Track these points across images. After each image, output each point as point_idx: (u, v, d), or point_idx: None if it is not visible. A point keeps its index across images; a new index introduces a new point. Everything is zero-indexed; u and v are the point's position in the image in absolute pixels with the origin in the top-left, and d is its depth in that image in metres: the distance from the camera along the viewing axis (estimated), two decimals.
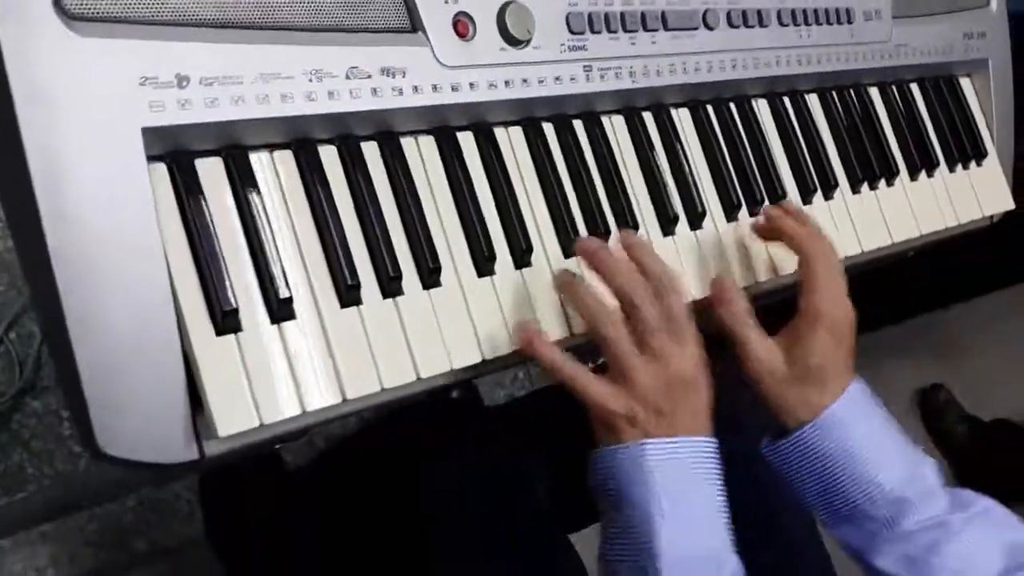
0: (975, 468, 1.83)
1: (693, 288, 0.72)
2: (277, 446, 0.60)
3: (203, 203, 0.52)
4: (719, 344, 0.67)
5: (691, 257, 0.73)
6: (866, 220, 0.85)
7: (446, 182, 0.62)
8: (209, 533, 1.17)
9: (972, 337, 2.12)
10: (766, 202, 0.78)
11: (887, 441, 0.67)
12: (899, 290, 1.78)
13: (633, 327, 0.61)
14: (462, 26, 0.61)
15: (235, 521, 1.13)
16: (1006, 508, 0.66)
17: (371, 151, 0.60)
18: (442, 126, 0.63)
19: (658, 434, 0.60)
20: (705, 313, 0.69)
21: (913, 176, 0.91)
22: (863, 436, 0.66)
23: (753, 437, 0.70)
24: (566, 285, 0.64)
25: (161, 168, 0.52)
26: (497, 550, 0.77)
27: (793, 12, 0.80)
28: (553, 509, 0.81)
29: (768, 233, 0.75)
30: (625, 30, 0.69)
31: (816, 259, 0.69)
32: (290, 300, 0.54)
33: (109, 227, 0.48)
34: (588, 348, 0.64)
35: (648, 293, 0.61)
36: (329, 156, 0.58)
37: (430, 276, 0.60)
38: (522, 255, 0.64)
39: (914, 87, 0.95)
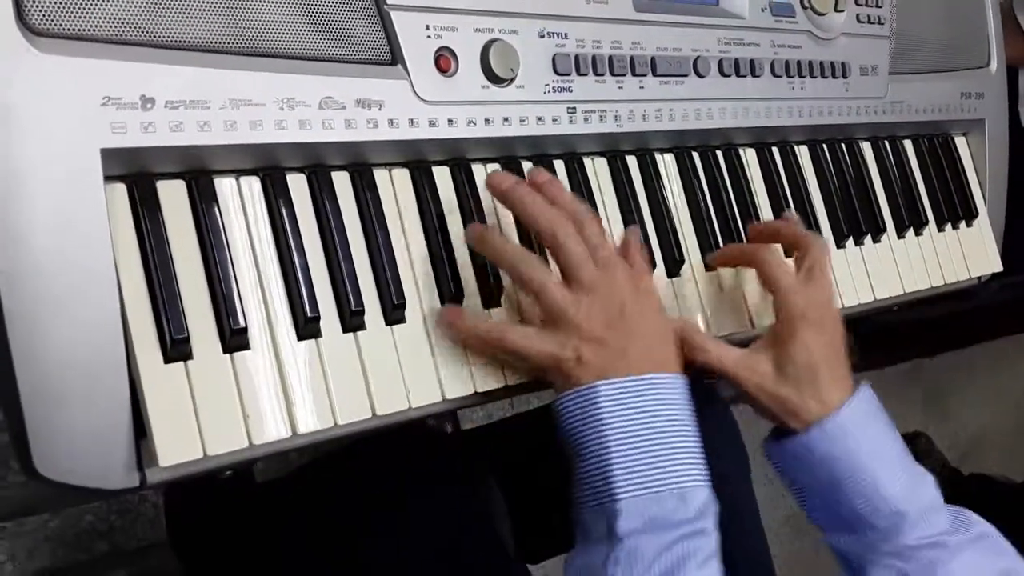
0: None
1: None
2: (226, 473, 0.59)
3: (161, 226, 0.51)
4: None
5: (666, 304, 0.72)
6: (849, 275, 0.85)
7: (417, 216, 0.61)
8: (172, 538, 1.15)
9: (959, 388, 2.12)
10: None
11: (893, 451, 0.66)
12: (886, 335, 1.78)
13: (559, 263, 0.59)
14: (444, 61, 0.60)
15: (200, 528, 1.12)
16: (1002, 535, 0.66)
17: (342, 181, 0.59)
18: (418, 160, 0.62)
19: (613, 372, 0.57)
20: None
21: (900, 233, 0.91)
22: (870, 444, 0.65)
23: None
24: (480, 236, 0.61)
25: (120, 188, 0.51)
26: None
27: (787, 63, 0.79)
28: (514, 540, 0.80)
29: (728, 258, 0.74)
30: (612, 74, 0.68)
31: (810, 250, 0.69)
32: (245, 330, 0.53)
33: (60, 247, 0.47)
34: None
35: (567, 224, 0.59)
36: (298, 184, 0.57)
37: (394, 312, 0.59)
38: (491, 295, 0.63)
39: (907, 143, 0.95)
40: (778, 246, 0.72)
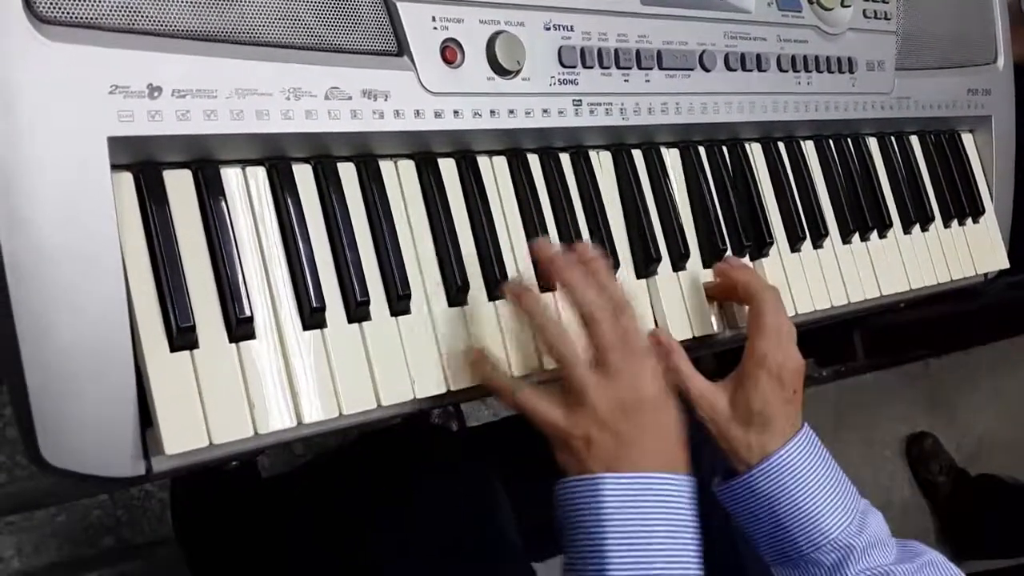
0: (958, 520, 1.82)
1: (670, 330, 0.71)
2: (232, 464, 0.59)
3: (168, 215, 0.51)
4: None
5: (669, 298, 0.72)
6: (855, 271, 0.84)
7: (423, 207, 0.62)
8: (178, 533, 1.16)
9: (965, 388, 2.11)
10: (752, 247, 0.76)
11: (833, 489, 0.67)
12: (892, 336, 1.77)
13: (590, 343, 0.59)
14: (450, 53, 0.60)
15: (205, 523, 1.12)
16: (952, 563, 0.66)
17: (348, 172, 0.59)
18: (424, 151, 0.62)
19: (620, 464, 0.57)
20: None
21: (907, 229, 0.90)
22: (809, 482, 0.66)
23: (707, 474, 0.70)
24: (520, 295, 0.61)
25: (127, 177, 0.51)
26: (462, 569, 0.76)
27: (794, 58, 0.79)
28: (520, 537, 0.80)
29: (721, 290, 0.74)
30: (618, 67, 0.68)
31: (764, 304, 0.69)
32: (251, 319, 0.53)
33: (68, 235, 0.47)
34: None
35: (607, 307, 0.59)
36: (303, 175, 0.57)
37: (399, 302, 0.59)
38: (497, 287, 0.63)
39: (914, 139, 0.94)
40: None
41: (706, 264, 0.75)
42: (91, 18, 0.48)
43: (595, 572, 0.56)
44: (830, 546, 0.65)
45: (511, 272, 0.64)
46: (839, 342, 1.66)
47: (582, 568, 0.57)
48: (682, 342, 0.71)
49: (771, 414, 0.66)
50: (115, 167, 0.49)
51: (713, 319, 0.73)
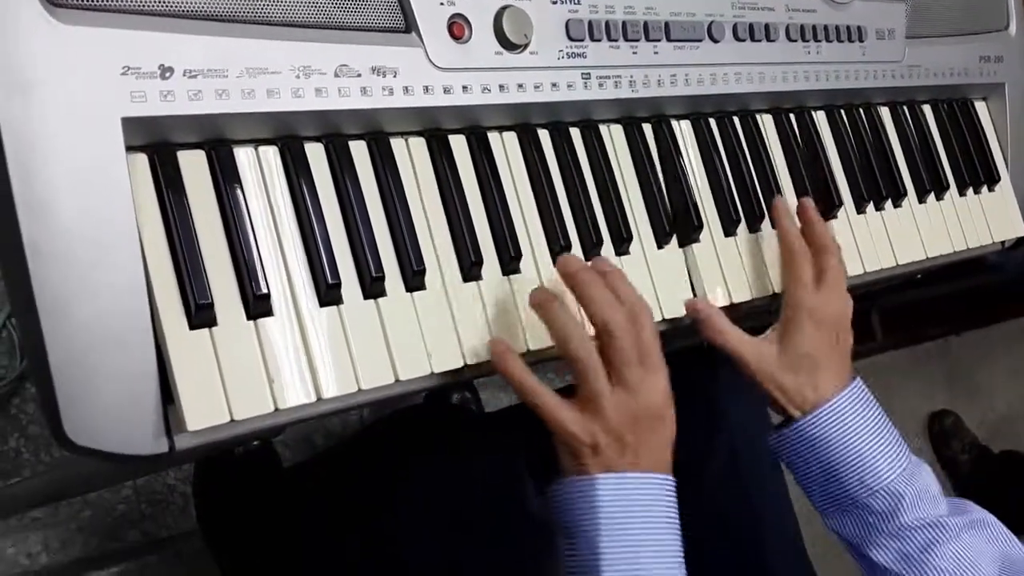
0: (981, 498, 1.80)
1: (682, 304, 0.71)
2: (254, 442, 0.60)
3: (183, 196, 0.52)
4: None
5: (682, 271, 0.72)
6: (870, 241, 0.84)
7: (435, 184, 0.62)
8: (202, 526, 1.17)
9: (986, 365, 2.09)
10: (766, 219, 0.76)
11: (886, 438, 0.69)
12: (911, 314, 1.76)
13: (607, 355, 0.60)
14: (457, 28, 0.60)
15: (229, 515, 1.13)
16: (1003, 525, 0.68)
17: (359, 150, 0.59)
18: (434, 128, 0.62)
19: (618, 467, 0.59)
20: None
21: (921, 198, 0.90)
22: (861, 429, 0.68)
23: (737, 434, 0.70)
24: (543, 303, 0.62)
25: (142, 159, 0.51)
26: (485, 548, 0.77)
27: (802, 28, 0.78)
28: (545, 516, 0.80)
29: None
30: (626, 39, 0.68)
31: (796, 254, 0.72)
32: (268, 296, 0.53)
33: (85, 217, 0.47)
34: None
35: (626, 323, 0.60)
36: (316, 153, 0.57)
37: (414, 278, 0.59)
38: (510, 262, 0.63)
39: (926, 108, 0.94)
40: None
41: (726, 234, 0.75)
42: (102, 0, 0.48)
43: (591, 564, 0.58)
44: (883, 492, 0.67)
45: (524, 247, 0.64)
46: (856, 322, 1.65)
47: (579, 564, 0.59)
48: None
49: (818, 358, 0.69)
50: (130, 148, 0.50)
51: (727, 292, 0.73)
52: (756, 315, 0.76)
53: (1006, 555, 0.65)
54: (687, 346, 0.77)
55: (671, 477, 0.61)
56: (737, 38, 0.74)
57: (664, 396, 0.61)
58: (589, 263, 0.64)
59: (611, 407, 0.59)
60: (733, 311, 0.74)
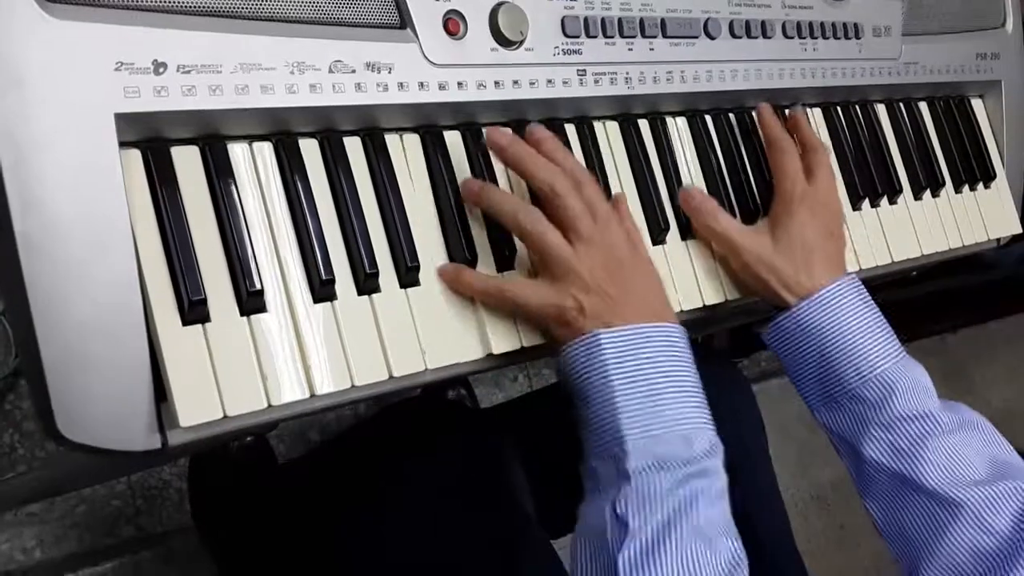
0: None
1: (681, 299, 0.71)
2: (248, 438, 0.60)
3: (177, 191, 0.52)
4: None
5: (681, 267, 0.72)
6: (866, 237, 0.84)
7: (428, 181, 0.62)
8: (197, 521, 1.17)
9: (982, 363, 2.10)
10: (761, 213, 0.76)
11: (879, 329, 0.69)
12: (907, 311, 1.76)
13: (557, 217, 0.60)
14: (453, 24, 0.60)
15: (224, 511, 1.13)
16: (996, 430, 0.68)
17: (354, 146, 0.59)
18: (429, 124, 0.62)
19: (614, 321, 0.59)
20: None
21: (917, 196, 0.90)
22: (855, 318, 0.68)
23: (726, 428, 0.70)
24: (477, 191, 0.61)
25: (135, 154, 0.51)
26: (476, 548, 0.77)
27: (799, 25, 0.78)
28: (537, 514, 0.80)
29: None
30: (622, 36, 0.68)
31: (783, 153, 0.74)
32: (261, 292, 0.53)
33: (78, 213, 0.47)
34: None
35: (568, 183, 0.60)
36: (310, 149, 0.57)
37: (408, 274, 0.59)
38: (504, 258, 0.63)
39: (923, 105, 0.94)
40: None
41: None
42: None
43: (609, 421, 0.57)
44: (875, 380, 0.67)
45: (519, 243, 0.64)
46: None
47: (598, 423, 0.58)
48: (692, 311, 0.71)
49: (812, 246, 0.70)
50: (123, 144, 0.49)
51: (722, 286, 0.73)
52: (749, 311, 0.76)
53: (996, 456, 0.65)
54: None
55: (673, 324, 0.60)
56: (733, 35, 0.74)
57: (625, 242, 0.61)
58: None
59: (577, 264, 0.59)
60: (725, 306, 0.74)
